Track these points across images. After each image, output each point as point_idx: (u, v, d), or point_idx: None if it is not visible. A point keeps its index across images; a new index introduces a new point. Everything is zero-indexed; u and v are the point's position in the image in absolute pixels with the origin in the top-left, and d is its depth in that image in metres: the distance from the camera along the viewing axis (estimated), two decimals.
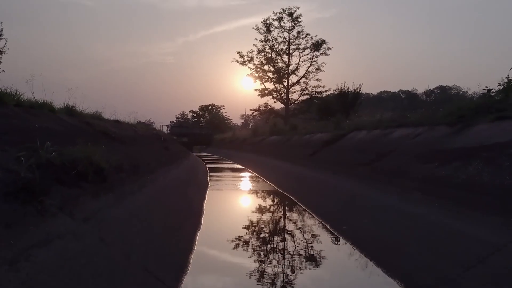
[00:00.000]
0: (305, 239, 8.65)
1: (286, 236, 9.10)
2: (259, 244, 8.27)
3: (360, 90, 38.53)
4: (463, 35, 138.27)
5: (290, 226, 10.20)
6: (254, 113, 64.17)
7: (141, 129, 25.25)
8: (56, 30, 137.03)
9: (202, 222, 9.72)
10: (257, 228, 9.80)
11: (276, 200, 14.54)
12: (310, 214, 11.06)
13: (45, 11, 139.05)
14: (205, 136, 58.72)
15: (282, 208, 13.19)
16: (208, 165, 28.62)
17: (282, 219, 11.34)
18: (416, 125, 15.17)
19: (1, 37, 13.43)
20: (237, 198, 15.59)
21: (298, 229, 9.71)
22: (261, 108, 60.66)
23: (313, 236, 8.85)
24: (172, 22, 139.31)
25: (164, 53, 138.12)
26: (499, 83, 12.97)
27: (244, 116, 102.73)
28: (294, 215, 11.61)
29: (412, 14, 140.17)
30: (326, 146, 20.84)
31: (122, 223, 6.76)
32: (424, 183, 10.14)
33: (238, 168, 28.57)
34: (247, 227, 9.73)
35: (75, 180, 7.49)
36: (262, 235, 9.09)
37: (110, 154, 11.31)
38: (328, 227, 9.35)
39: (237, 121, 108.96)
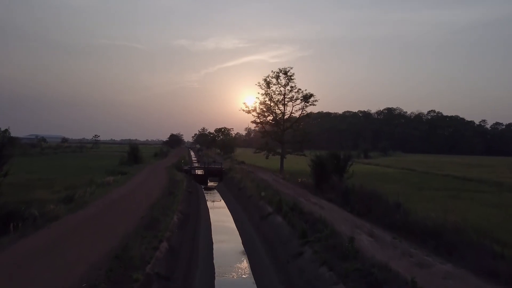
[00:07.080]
0: None
1: None
2: None
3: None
4: (404, 70, 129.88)
5: None
6: (257, 151, 53.88)
7: None
8: (119, 65, 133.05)
9: None
10: None
11: None
12: None
13: (115, 53, 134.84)
14: (218, 170, 48.27)
15: None
16: None
17: None
18: None
19: None
20: None
21: None
22: (262, 146, 51.56)
23: None
24: (197, 59, 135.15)
25: (191, 81, 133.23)
26: None
27: (247, 128, 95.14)
28: None
29: (366, 54, 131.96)
30: None
31: None
32: None
33: None
34: None
35: None
36: None
37: None
38: None
39: (242, 132, 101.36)
